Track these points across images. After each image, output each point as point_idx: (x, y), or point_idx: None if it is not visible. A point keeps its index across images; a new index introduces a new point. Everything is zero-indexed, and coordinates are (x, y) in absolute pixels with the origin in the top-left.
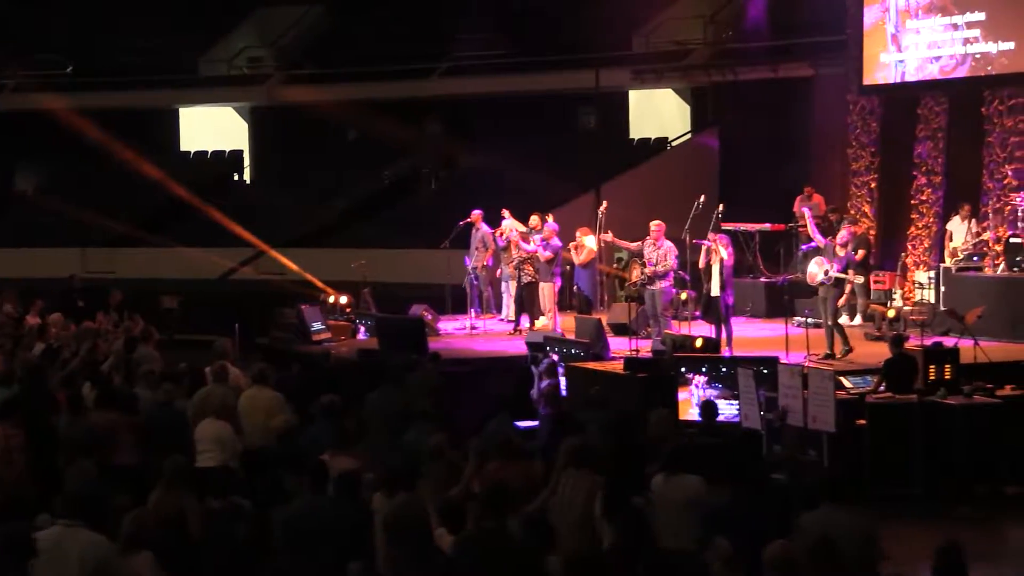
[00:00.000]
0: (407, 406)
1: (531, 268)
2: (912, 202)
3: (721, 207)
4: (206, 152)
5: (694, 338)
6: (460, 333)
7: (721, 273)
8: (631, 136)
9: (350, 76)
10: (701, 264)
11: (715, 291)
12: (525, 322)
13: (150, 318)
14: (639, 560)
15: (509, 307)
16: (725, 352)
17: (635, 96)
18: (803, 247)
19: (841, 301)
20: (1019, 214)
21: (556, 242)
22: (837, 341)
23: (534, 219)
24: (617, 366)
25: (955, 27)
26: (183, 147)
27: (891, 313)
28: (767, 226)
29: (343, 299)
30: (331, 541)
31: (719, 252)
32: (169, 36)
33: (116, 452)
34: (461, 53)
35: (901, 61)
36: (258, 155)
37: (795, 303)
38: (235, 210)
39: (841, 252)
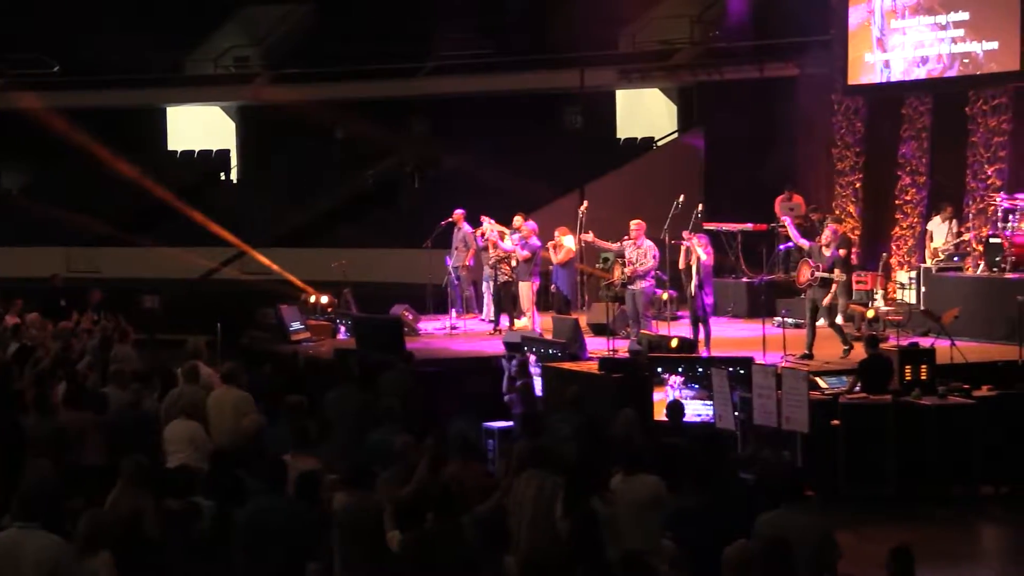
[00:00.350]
0: (370, 406)
1: (507, 268)
2: (896, 202)
3: (700, 207)
4: (193, 152)
5: (670, 338)
6: (440, 333)
7: (699, 273)
8: (618, 136)
9: (336, 75)
10: (681, 265)
11: (693, 290)
12: (505, 322)
13: (131, 318)
14: (584, 563)
15: (490, 307)
16: (703, 352)
17: (623, 96)
18: (781, 247)
19: (826, 300)
20: (1000, 214)
21: (535, 241)
22: (819, 341)
23: (518, 219)
24: (593, 366)
25: (940, 27)
26: (170, 146)
27: (870, 313)
28: (749, 226)
29: (324, 299)
30: (288, 542)
31: (696, 252)
32: (156, 35)
33: (84, 452)
34: (446, 53)
35: (886, 61)
36: (245, 154)
37: (776, 303)
38: (220, 210)
39: (827, 252)
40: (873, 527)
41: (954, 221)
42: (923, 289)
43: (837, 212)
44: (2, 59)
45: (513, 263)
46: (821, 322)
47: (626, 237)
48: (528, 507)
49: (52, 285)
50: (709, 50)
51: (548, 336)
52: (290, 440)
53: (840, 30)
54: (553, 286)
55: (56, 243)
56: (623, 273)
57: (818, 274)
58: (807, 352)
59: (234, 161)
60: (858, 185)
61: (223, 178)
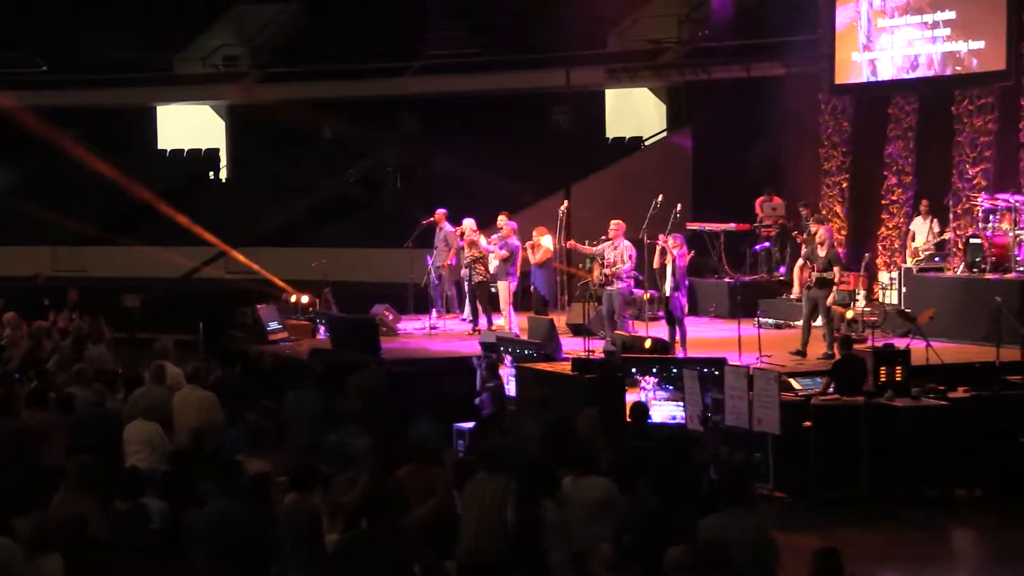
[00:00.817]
0: (330, 408)
1: (482, 268)
2: (882, 202)
3: (679, 207)
4: (182, 151)
5: (643, 339)
6: (419, 333)
7: (674, 274)
8: (607, 135)
9: (324, 74)
10: (656, 264)
11: (668, 291)
12: (485, 322)
13: (112, 317)
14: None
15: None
16: (679, 353)
17: (612, 95)
18: (755, 247)
19: (829, 300)
20: (980, 214)
21: (514, 241)
22: (814, 340)
23: (501, 218)
24: (567, 367)
25: (927, 26)
26: (161, 146)
27: (849, 314)
28: (732, 226)
29: (304, 299)
30: (246, 545)
31: (671, 252)
32: (146, 35)
33: (47, 452)
34: (434, 52)
35: (873, 60)
36: (235, 153)
37: (757, 304)
38: (208, 209)
39: (822, 252)
40: (842, 530)
41: (935, 220)
42: (903, 290)
43: (824, 212)
44: None
45: (493, 263)
46: (819, 322)
47: (604, 237)
48: (479, 511)
49: (35, 284)
50: (696, 49)
51: (525, 336)
52: (244, 441)
53: (827, 29)
54: (531, 286)
55: (43, 242)
56: (601, 274)
57: (815, 275)
58: (800, 349)
59: (223, 160)
60: (844, 185)
61: (212, 177)
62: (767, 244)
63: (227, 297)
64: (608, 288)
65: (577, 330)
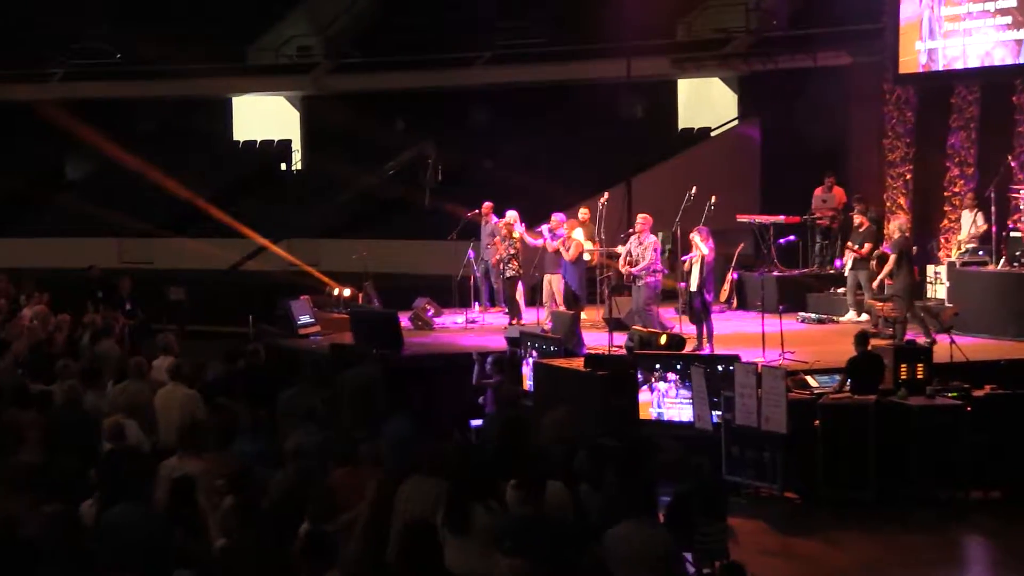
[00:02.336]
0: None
1: (516, 263)
2: (945, 194)
3: (713, 199)
4: (255, 142)
5: (660, 334)
6: (456, 327)
7: (701, 270)
8: (680, 126)
9: (395, 65)
10: (687, 266)
11: (693, 287)
12: (533, 315)
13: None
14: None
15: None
16: (705, 349)
17: (685, 85)
18: (781, 240)
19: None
20: (1022, 207)
21: (562, 233)
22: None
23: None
24: (582, 363)
25: (989, 14)
26: (236, 137)
27: (887, 309)
28: (781, 218)
29: (346, 292)
30: (143, 549)
31: (699, 247)
32: (219, 24)
33: (23, 450)
34: (502, 42)
35: (936, 49)
36: (308, 145)
37: (807, 299)
38: (274, 200)
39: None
40: (845, 532)
41: (979, 213)
42: (946, 284)
43: (888, 204)
44: (66, 49)
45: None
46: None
47: (631, 231)
48: (409, 514)
49: (88, 275)
50: (763, 39)
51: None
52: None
53: (892, 18)
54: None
55: (112, 234)
56: (627, 268)
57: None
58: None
59: (296, 151)
60: (908, 177)
61: (284, 168)
62: (792, 238)
63: (273, 290)
64: (637, 283)
65: (615, 324)
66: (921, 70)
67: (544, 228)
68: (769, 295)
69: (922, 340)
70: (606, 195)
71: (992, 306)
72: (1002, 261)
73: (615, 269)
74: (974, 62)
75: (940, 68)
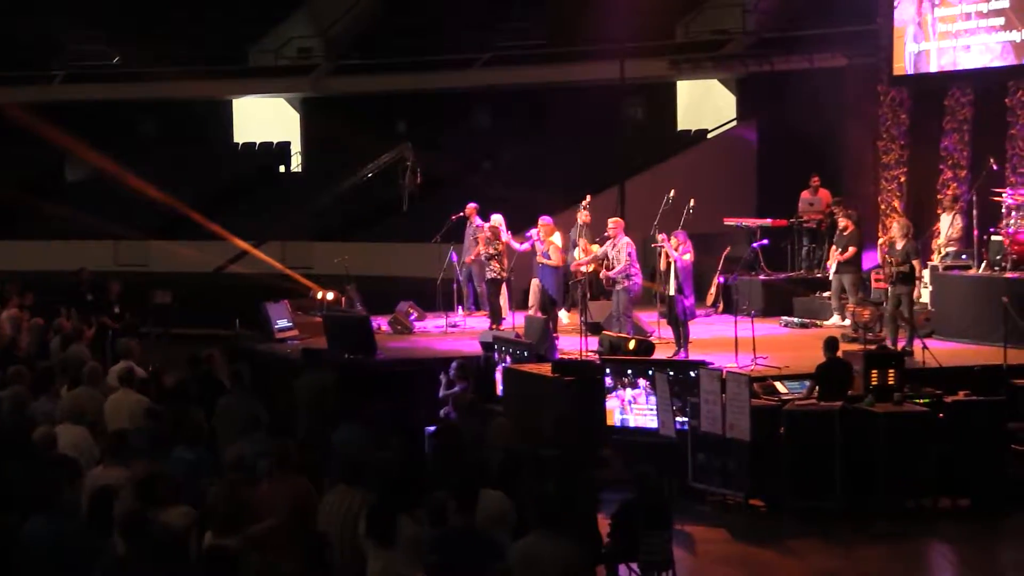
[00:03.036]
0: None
1: (497, 264)
2: (938, 196)
3: (692, 202)
4: (254, 143)
5: (628, 339)
6: (437, 332)
7: (676, 275)
8: (680, 128)
9: (396, 67)
10: (662, 266)
11: (671, 291)
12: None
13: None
14: None
15: (506, 304)
16: (681, 355)
17: (685, 87)
18: (754, 244)
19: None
20: (1004, 210)
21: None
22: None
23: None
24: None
25: (982, 15)
26: (237, 138)
27: (867, 313)
28: (768, 221)
29: (329, 295)
30: (58, 561)
31: (670, 253)
32: (221, 25)
33: None
34: (502, 44)
35: (930, 51)
36: (309, 146)
37: (793, 303)
38: (271, 202)
39: (899, 245)
40: (806, 541)
41: (958, 215)
42: (929, 288)
43: (883, 207)
44: (65, 51)
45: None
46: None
47: (605, 235)
48: (334, 525)
49: (78, 279)
50: (760, 40)
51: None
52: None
53: (886, 19)
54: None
55: (108, 237)
56: (604, 273)
57: (893, 269)
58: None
59: (294, 153)
60: (903, 179)
61: (282, 170)
62: (765, 242)
63: (260, 293)
64: (616, 288)
65: (595, 328)
66: (915, 72)
67: (533, 232)
68: (755, 299)
69: (901, 345)
70: (588, 198)
71: (973, 310)
72: (983, 265)
73: (591, 273)
74: (967, 64)
75: (934, 70)
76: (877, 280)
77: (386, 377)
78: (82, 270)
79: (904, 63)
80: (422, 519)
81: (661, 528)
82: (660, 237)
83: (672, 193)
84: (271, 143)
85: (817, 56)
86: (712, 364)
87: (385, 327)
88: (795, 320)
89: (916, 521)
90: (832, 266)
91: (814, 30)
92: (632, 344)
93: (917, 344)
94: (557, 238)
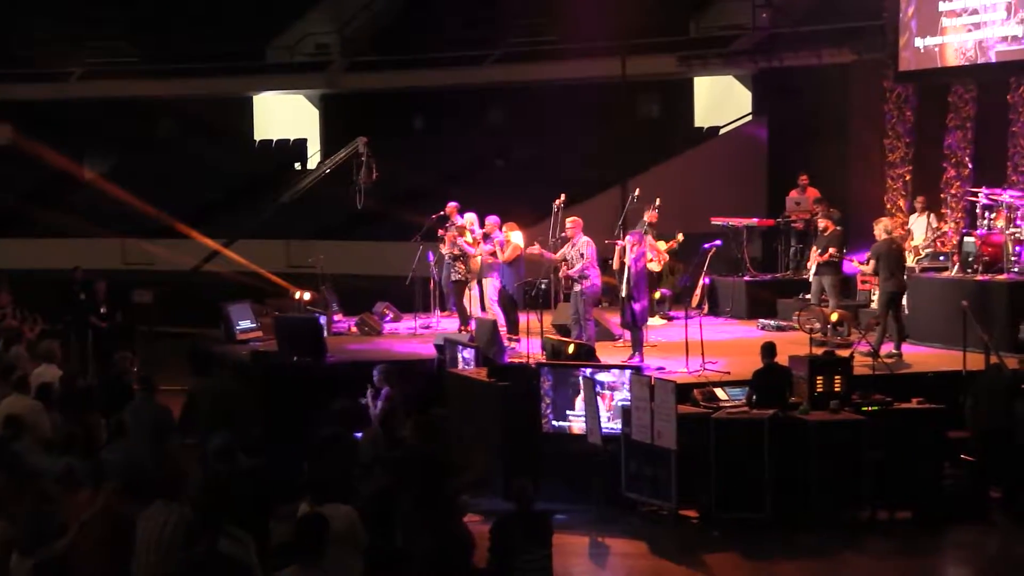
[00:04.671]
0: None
1: (462, 265)
2: (941, 195)
3: (658, 201)
4: (271, 141)
5: (568, 343)
6: (407, 333)
7: (629, 279)
8: (696, 125)
9: (413, 63)
10: (615, 265)
11: (623, 293)
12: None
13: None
14: None
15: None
16: (634, 359)
17: (702, 84)
18: (705, 245)
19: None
20: (978, 211)
21: (499, 236)
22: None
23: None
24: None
25: (986, 9)
26: (257, 136)
27: (834, 316)
28: (754, 221)
29: (307, 295)
30: None
31: (629, 252)
32: (239, 22)
33: None
34: (516, 40)
35: (935, 47)
36: (328, 143)
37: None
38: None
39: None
40: (726, 555)
41: (932, 215)
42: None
43: (888, 206)
44: (85, 48)
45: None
46: None
47: (563, 235)
48: (150, 542)
49: (71, 277)
50: (771, 36)
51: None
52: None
53: (892, 14)
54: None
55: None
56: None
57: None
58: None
59: (315, 149)
60: (908, 178)
61: (299, 167)
62: (718, 243)
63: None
64: (575, 289)
65: (564, 331)
66: (920, 68)
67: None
68: (739, 301)
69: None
70: (563, 196)
71: (943, 314)
72: (955, 268)
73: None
74: (973, 58)
75: (939, 65)
76: (863, 282)
77: (326, 381)
78: (76, 269)
79: (910, 59)
80: (244, 538)
81: (540, 544)
82: (628, 238)
83: (637, 192)
84: (288, 140)
85: (825, 52)
86: (648, 369)
87: (354, 328)
88: (772, 323)
89: (849, 534)
90: (812, 267)
91: (823, 25)
92: (572, 348)
93: (886, 347)
94: (517, 237)
